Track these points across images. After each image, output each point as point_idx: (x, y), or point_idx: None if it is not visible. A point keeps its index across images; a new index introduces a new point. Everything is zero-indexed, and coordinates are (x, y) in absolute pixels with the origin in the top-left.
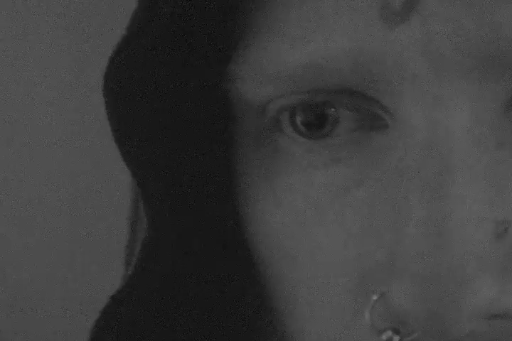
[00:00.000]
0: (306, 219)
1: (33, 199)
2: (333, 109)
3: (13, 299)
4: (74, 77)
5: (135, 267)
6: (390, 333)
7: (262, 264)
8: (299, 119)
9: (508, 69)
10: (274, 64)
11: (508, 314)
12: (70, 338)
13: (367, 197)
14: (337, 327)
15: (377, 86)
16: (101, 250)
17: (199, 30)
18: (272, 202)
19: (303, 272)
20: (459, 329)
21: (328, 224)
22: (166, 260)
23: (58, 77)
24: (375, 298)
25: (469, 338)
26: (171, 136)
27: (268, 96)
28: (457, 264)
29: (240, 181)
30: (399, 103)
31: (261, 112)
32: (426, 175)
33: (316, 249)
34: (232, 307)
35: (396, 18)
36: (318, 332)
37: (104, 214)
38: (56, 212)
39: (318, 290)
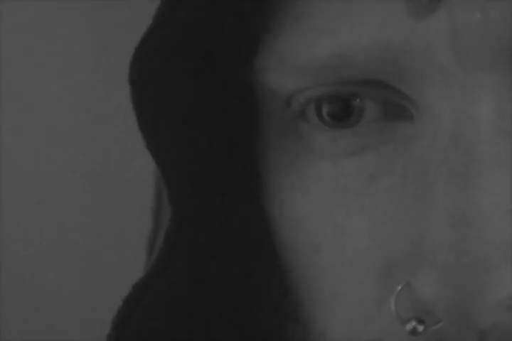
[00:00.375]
0: (332, 207)
1: (54, 194)
2: (358, 100)
3: (40, 298)
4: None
5: (158, 256)
6: (414, 323)
7: (287, 252)
8: (324, 110)
9: None
10: (302, 55)
11: None
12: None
13: (392, 185)
14: (361, 316)
15: (403, 77)
16: (125, 240)
17: (226, 22)
18: (298, 190)
19: (328, 260)
20: (484, 318)
21: (354, 212)
22: (189, 248)
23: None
24: (399, 287)
25: (493, 329)
26: (195, 125)
27: (295, 87)
28: (483, 254)
29: (265, 170)
30: (425, 94)
31: (287, 103)
32: (452, 165)
33: (341, 237)
34: (257, 295)
35: (423, 10)
36: (342, 321)
37: (127, 204)
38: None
39: (343, 279)
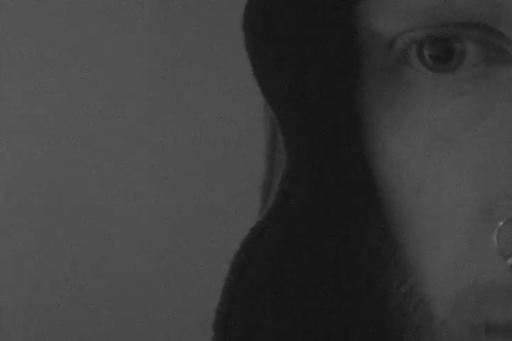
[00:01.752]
0: (433, 150)
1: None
2: (459, 43)
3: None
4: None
5: (275, 200)
6: None
7: (387, 194)
8: (426, 53)
9: None
10: None
11: None
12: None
13: (492, 127)
14: (462, 254)
15: (504, 19)
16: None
17: None
18: (398, 134)
19: (428, 201)
20: None
21: (454, 154)
22: (304, 192)
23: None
24: (501, 222)
25: None
26: (303, 69)
27: (398, 30)
28: None
29: (367, 115)
30: None
31: (389, 46)
32: None
33: (442, 179)
34: (357, 237)
35: None
36: (443, 260)
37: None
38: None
39: (444, 218)
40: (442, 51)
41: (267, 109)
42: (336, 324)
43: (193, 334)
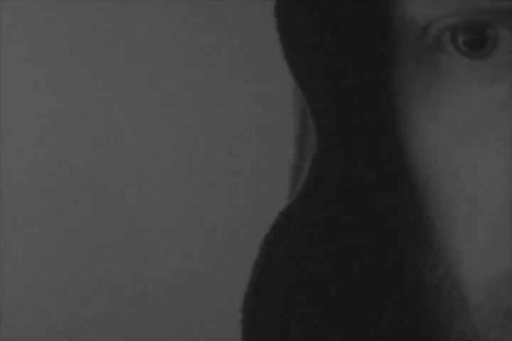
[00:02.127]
0: (466, 136)
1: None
2: (493, 30)
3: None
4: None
5: (305, 184)
6: None
7: (422, 179)
8: (460, 39)
9: None
10: None
11: None
12: None
13: None
14: (497, 238)
15: None
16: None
17: None
18: (432, 120)
19: (463, 187)
20: None
21: (489, 140)
22: (334, 176)
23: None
24: None
25: None
26: (335, 54)
27: (433, 15)
28: None
29: (400, 100)
30: None
31: (423, 32)
32: None
33: (476, 165)
34: (390, 221)
35: None
36: (478, 244)
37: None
38: None
39: (478, 203)
40: (476, 38)
41: (298, 93)
42: (368, 308)
43: (220, 317)
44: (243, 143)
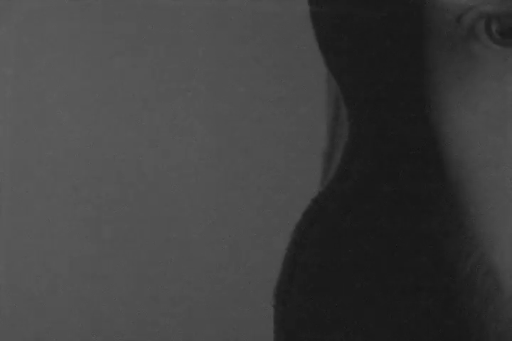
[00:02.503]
0: (500, 123)
1: None
2: None
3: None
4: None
5: (337, 172)
6: None
7: (456, 167)
8: (494, 28)
9: None
10: None
11: None
12: None
13: None
14: None
15: None
16: None
17: None
18: (466, 107)
19: (497, 176)
20: None
21: None
22: (366, 164)
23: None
24: None
25: None
26: (367, 43)
27: (466, 5)
28: None
29: (433, 88)
30: None
31: (457, 21)
32: None
33: (510, 151)
34: (423, 208)
35: None
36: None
37: None
38: None
39: None
40: (510, 26)
41: (331, 82)
42: (401, 296)
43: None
44: (277, 134)
